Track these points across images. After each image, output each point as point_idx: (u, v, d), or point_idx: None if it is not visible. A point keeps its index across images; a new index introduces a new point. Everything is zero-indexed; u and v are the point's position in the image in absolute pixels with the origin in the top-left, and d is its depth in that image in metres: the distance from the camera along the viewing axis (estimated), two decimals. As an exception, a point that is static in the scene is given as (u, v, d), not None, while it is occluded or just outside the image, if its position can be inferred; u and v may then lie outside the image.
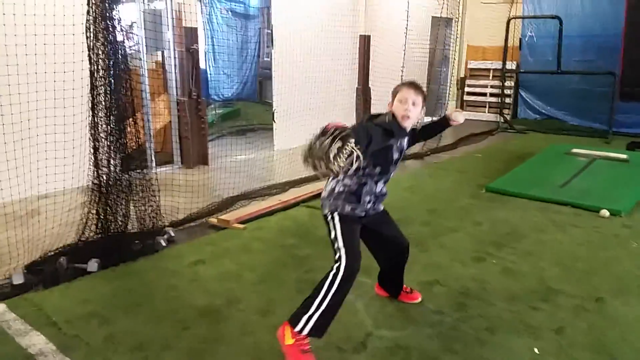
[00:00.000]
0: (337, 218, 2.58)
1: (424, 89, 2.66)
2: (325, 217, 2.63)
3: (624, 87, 9.11)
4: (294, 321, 2.46)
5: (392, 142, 2.56)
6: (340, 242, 2.53)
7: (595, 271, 3.58)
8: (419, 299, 3.09)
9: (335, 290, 2.44)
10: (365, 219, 2.69)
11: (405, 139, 2.66)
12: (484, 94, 11.67)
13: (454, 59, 10.21)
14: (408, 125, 2.58)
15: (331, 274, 2.47)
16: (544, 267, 3.64)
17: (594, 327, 2.85)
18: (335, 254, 2.52)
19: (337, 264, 2.48)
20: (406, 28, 7.74)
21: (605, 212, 4.74)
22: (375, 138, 2.38)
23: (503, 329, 2.82)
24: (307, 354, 2.45)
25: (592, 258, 3.81)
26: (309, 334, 2.47)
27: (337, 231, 2.56)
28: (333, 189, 2.62)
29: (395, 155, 2.63)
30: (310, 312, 2.45)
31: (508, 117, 10.79)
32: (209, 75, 10.51)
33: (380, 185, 2.69)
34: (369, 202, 2.65)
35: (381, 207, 2.81)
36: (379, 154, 2.53)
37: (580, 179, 5.95)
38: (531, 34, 10.84)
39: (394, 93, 2.62)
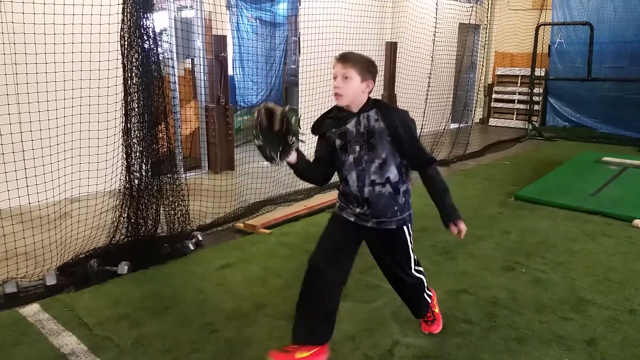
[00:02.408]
0: (331, 215, 2.51)
1: (362, 57, 2.26)
2: None
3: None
4: None
5: (334, 129, 2.31)
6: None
7: (628, 282, 3.50)
8: (437, 331, 2.78)
9: (300, 288, 2.39)
10: (363, 230, 2.39)
11: (360, 119, 2.27)
12: (512, 101, 11.53)
13: (482, 65, 10.12)
14: (342, 102, 2.26)
15: None
16: (574, 277, 3.57)
17: (628, 339, 2.78)
18: None
19: None
20: (434, 35, 7.70)
21: (638, 222, 4.62)
22: (321, 130, 2.34)
23: (533, 339, 2.77)
24: (285, 352, 2.34)
25: (625, 269, 3.72)
26: (293, 340, 2.38)
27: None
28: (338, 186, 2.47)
29: (338, 142, 2.31)
30: None
31: (536, 124, 10.63)
32: (236, 82, 10.62)
33: (359, 186, 2.31)
34: (356, 207, 2.36)
35: (390, 225, 2.36)
36: (326, 143, 2.35)
37: (612, 188, 5.82)
38: (560, 40, 10.68)
39: None
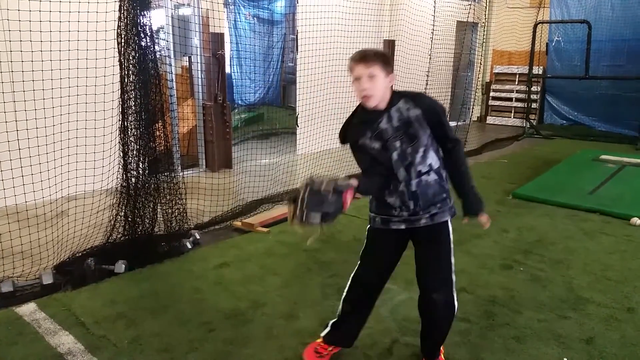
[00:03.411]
0: (367, 233, 2.39)
1: (380, 51, 2.20)
2: None
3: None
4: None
5: (367, 133, 2.18)
6: (361, 253, 2.42)
7: (626, 280, 3.49)
8: None
9: (344, 299, 2.46)
10: (414, 234, 2.29)
11: (391, 115, 2.16)
12: (510, 99, 11.52)
13: (480, 63, 10.11)
14: (373, 103, 2.14)
15: None
16: (573, 275, 3.57)
17: (626, 338, 2.78)
18: None
19: None
20: (432, 33, 7.69)
21: (636, 220, 4.62)
22: (350, 139, 2.23)
23: (531, 338, 2.77)
24: (320, 357, 2.51)
25: (623, 267, 3.72)
26: (325, 341, 2.53)
27: (364, 243, 2.42)
28: (370, 199, 2.35)
29: (376, 145, 2.17)
30: (333, 319, 2.52)
31: (534, 123, 10.63)
32: (233, 80, 10.59)
33: (407, 180, 2.18)
34: (401, 206, 2.22)
35: (443, 217, 2.26)
36: (364, 152, 2.21)
37: (610, 186, 5.82)
38: (558, 38, 10.67)
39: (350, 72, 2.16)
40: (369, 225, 2.38)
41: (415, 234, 2.30)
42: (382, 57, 2.15)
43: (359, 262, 2.42)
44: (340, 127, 2.31)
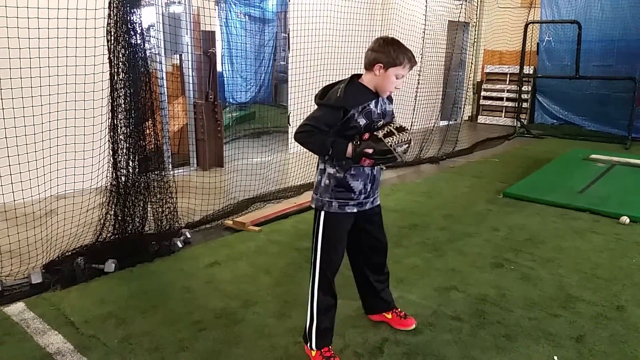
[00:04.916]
0: (322, 217, 2.40)
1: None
2: (315, 210, 2.45)
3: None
4: (304, 338, 2.53)
5: (359, 108, 2.30)
6: (318, 245, 2.41)
7: (616, 279, 3.52)
8: (413, 326, 2.81)
9: (318, 297, 2.45)
10: (359, 217, 2.46)
11: (379, 101, 2.37)
12: (501, 99, 11.58)
13: (471, 63, 10.14)
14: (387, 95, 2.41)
15: (310, 282, 2.47)
16: (563, 274, 3.59)
17: (616, 335, 2.80)
18: (311, 257, 2.45)
19: (311, 270, 2.45)
20: (424, 32, 7.71)
21: (625, 219, 4.66)
22: (343, 103, 2.28)
23: (522, 336, 2.78)
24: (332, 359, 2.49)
25: (613, 265, 3.75)
26: (320, 347, 2.48)
27: (319, 232, 2.41)
28: (319, 182, 2.41)
29: (362, 122, 2.32)
30: (307, 325, 2.50)
31: (525, 122, 10.69)
32: (225, 79, 10.56)
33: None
34: (362, 189, 2.39)
35: (377, 201, 2.53)
36: (345, 123, 2.30)
37: (599, 185, 5.87)
38: (549, 38, 10.74)
39: (391, 62, 2.25)
40: (322, 212, 2.40)
41: (360, 217, 2.48)
42: None
43: (320, 253, 2.41)
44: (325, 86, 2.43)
